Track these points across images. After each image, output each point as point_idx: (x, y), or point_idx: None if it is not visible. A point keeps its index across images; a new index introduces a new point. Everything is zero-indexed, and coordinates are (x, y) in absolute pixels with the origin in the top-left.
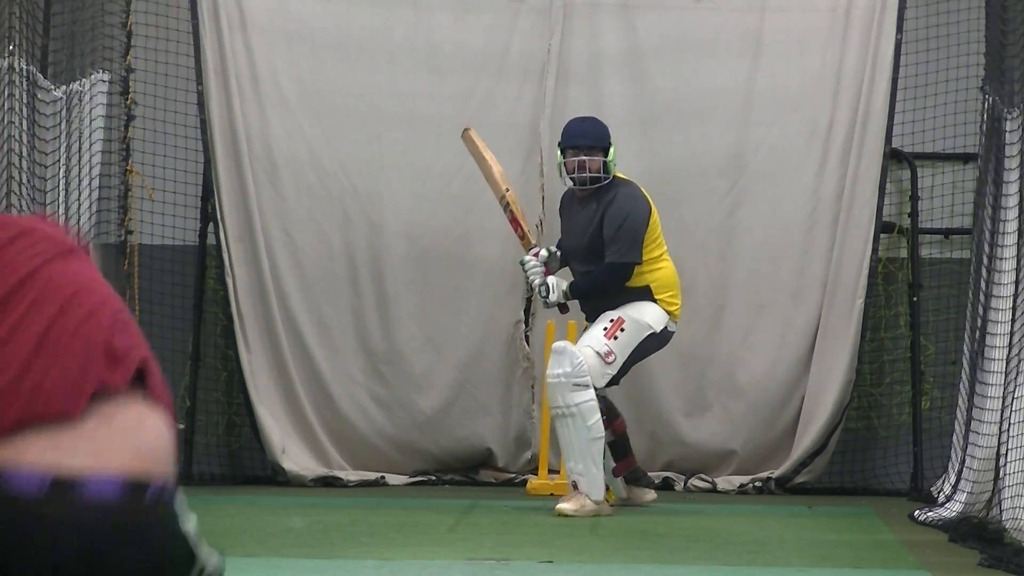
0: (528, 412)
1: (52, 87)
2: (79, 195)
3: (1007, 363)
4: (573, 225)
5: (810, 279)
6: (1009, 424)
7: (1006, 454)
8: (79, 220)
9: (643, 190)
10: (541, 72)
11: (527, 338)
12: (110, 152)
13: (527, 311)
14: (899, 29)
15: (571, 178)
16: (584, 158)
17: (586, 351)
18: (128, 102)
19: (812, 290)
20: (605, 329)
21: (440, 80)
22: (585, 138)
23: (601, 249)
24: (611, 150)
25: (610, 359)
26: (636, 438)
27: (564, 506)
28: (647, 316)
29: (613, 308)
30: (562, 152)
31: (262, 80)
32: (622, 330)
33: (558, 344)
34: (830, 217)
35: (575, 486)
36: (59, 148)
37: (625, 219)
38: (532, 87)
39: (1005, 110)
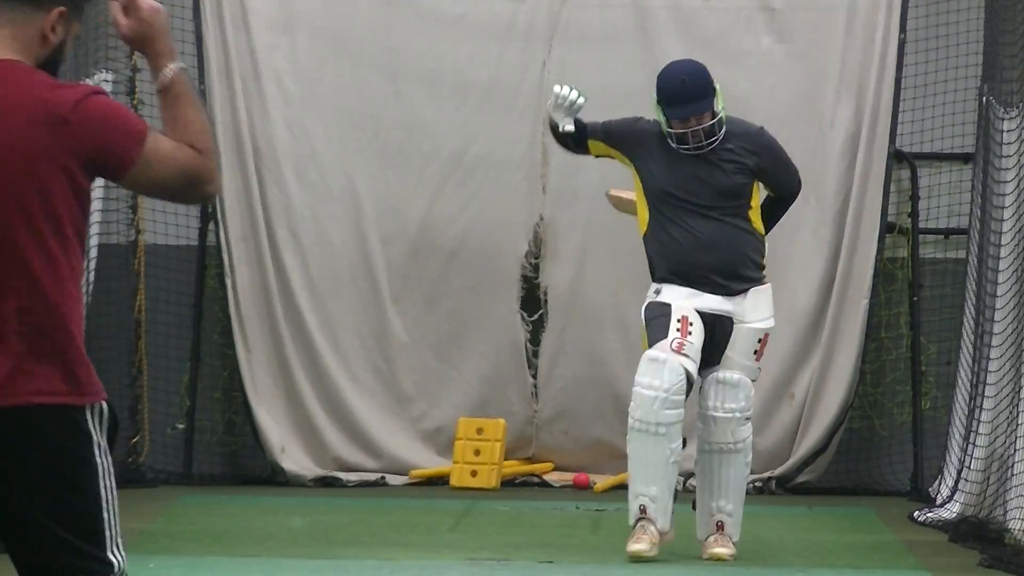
0: (529, 413)
1: None
2: None
3: (1010, 363)
4: (681, 175)
5: (814, 279)
6: (1017, 424)
7: (1014, 454)
8: None
9: None
10: (541, 73)
11: (531, 340)
12: None
13: (532, 312)
14: (902, 29)
15: (682, 148)
16: (694, 123)
17: (749, 382)
18: (135, 102)
19: (817, 291)
20: (756, 352)
21: (440, 78)
22: (690, 106)
23: (737, 192)
24: (718, 94)
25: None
26: None
27: (722, 551)
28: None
29: (748, 288)
30: (664, 115)
31: (265, 78)
32: (763, 345)
33: (731, 376)
34: (832, 216)
35: (720, 527)
36: None
37: (781, 148)
38: (531, 88)
39: (1002, 110)
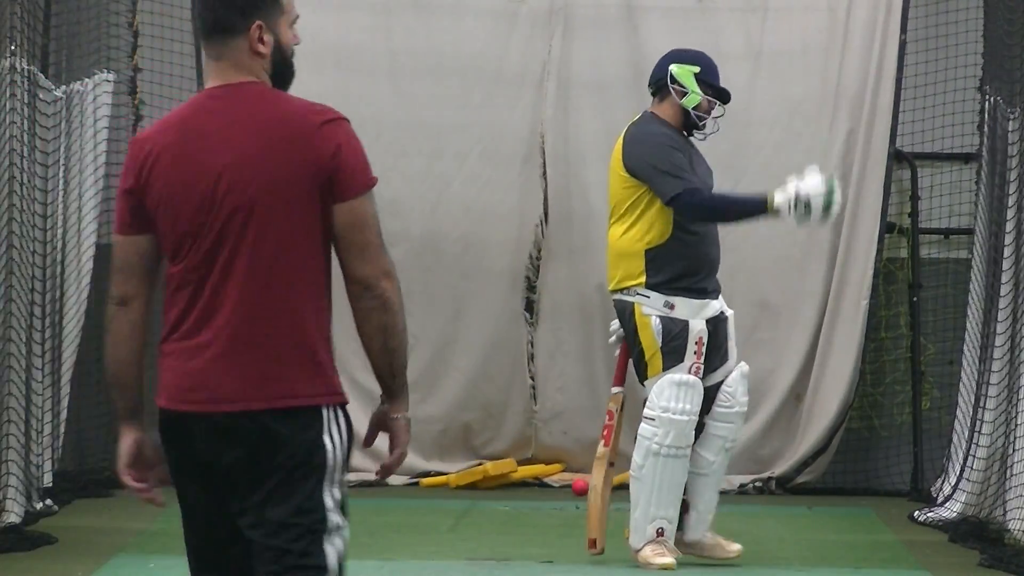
0: (528, 414)
1: (53, 87)
2: (80, 195)
3: (1010, 363)
4: (704, 167)
5: (813, 280)
6: (1016, 424)
7: (1012, 454)
8: (80, 219)
9: None
10: (541, 74)
11: (530, 341)
12: (118, 152)
13: (530, 312)
14: (903, 30)
15: (701, 130)
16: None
17: None
18: (136, 102)
19: (815, 291)
20: None
21: (440, 83)
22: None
23: None
24: None
25: None
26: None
27: (737, 547)
28: None
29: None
30: (711, 93)
31: None
32: None
33: (746, 368)
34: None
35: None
36: (59, 148)
37: None
38: (531, 90)
39: (1007, 110)
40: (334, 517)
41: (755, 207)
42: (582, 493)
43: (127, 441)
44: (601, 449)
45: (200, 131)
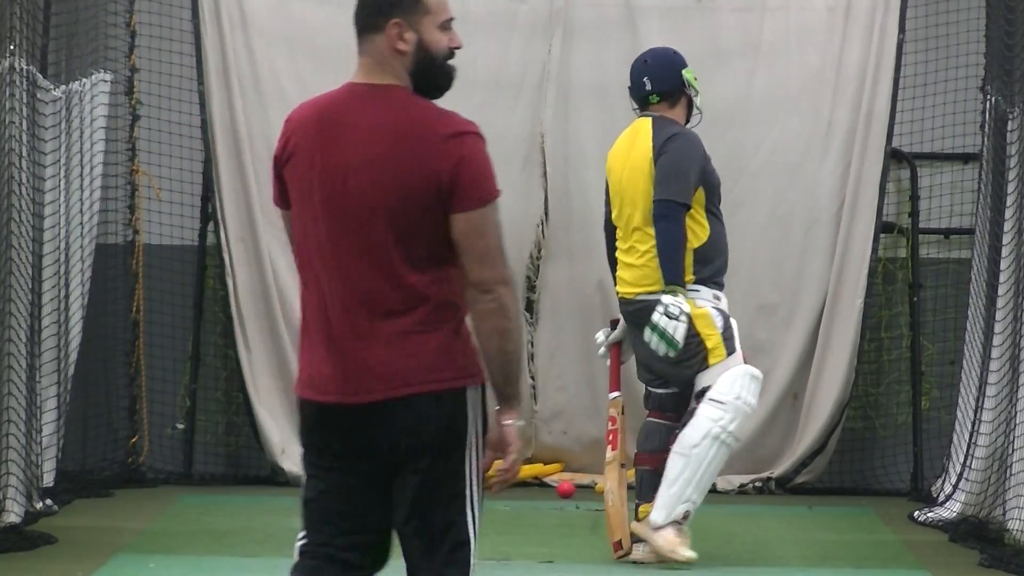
0: (528, 414)
1: (52, 87)
2: (80, 195)
3: (1010, 363)
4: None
5: (810, 279)
6: (1016, 424)
7: (1012, 454)
8: (81, 219)
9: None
10: (541, 75)
11: (530, 341)
12: (115, 152)
13: (530, 312)
14: (901, 29)
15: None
16: None
17: None
18: (133, 102)
19: (812, 290)
20: None
21: None
22: None
23: None
24: None
25: None
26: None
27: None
28: None
29: None
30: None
31: (263, 80)
32: None
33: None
34: (828, 216)
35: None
36: (59, 148)
37: None
38: (531, 91)
39: (1007, 110)
40: (471, 494)
41: (670, 273)
42: (567, 495)
43: None
44: (610, 454)
45: (336, 126)
